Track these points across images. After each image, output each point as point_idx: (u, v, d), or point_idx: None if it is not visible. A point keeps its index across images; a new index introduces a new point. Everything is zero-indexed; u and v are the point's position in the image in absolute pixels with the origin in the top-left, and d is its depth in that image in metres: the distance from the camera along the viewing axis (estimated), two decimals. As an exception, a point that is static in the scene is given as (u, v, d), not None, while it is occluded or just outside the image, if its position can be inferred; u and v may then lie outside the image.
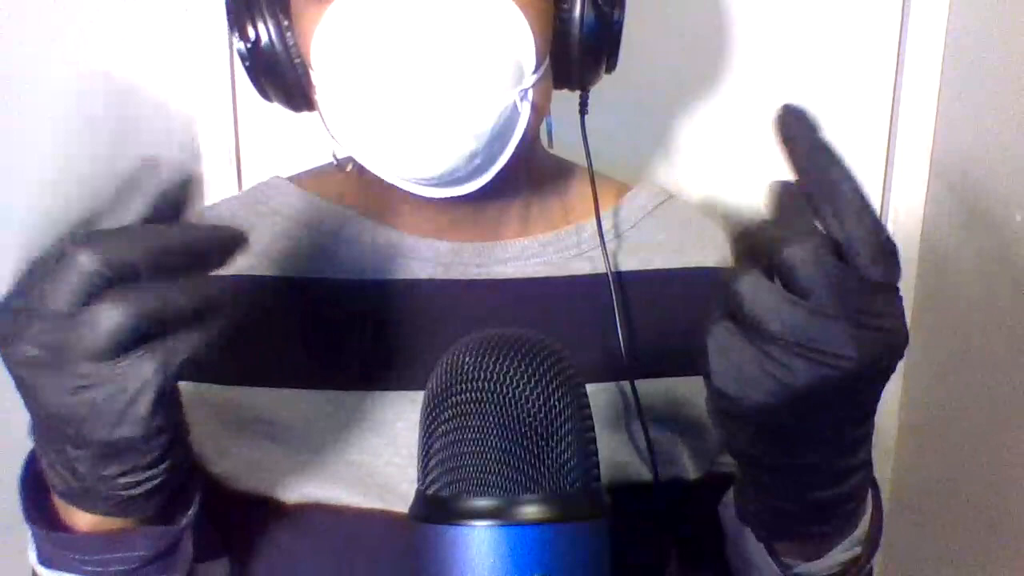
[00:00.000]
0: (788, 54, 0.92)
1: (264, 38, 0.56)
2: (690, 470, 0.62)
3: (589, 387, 0.41)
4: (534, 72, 0.53)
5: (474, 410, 0.38)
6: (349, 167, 0.60)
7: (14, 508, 0.44)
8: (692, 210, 0.70)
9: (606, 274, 0.61)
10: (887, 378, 0.39)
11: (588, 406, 0.41)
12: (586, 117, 0.62)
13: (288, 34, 0.55)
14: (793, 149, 0.38)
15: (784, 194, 0.39)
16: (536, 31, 0.52)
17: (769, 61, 0.92)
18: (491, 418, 0.38)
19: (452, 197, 0.55)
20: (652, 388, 0.60)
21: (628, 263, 0.64)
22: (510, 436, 0.37)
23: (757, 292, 0.37)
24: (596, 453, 0.40)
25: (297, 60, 0.56)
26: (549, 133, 0.62)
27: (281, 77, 0.57)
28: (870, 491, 0.48)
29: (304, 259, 0.61)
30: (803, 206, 0.38)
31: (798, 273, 0.36)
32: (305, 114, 0.60)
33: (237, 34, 0.56)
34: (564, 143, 0.63)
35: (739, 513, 0.49)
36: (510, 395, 0.38)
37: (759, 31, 0.91)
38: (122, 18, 0.86)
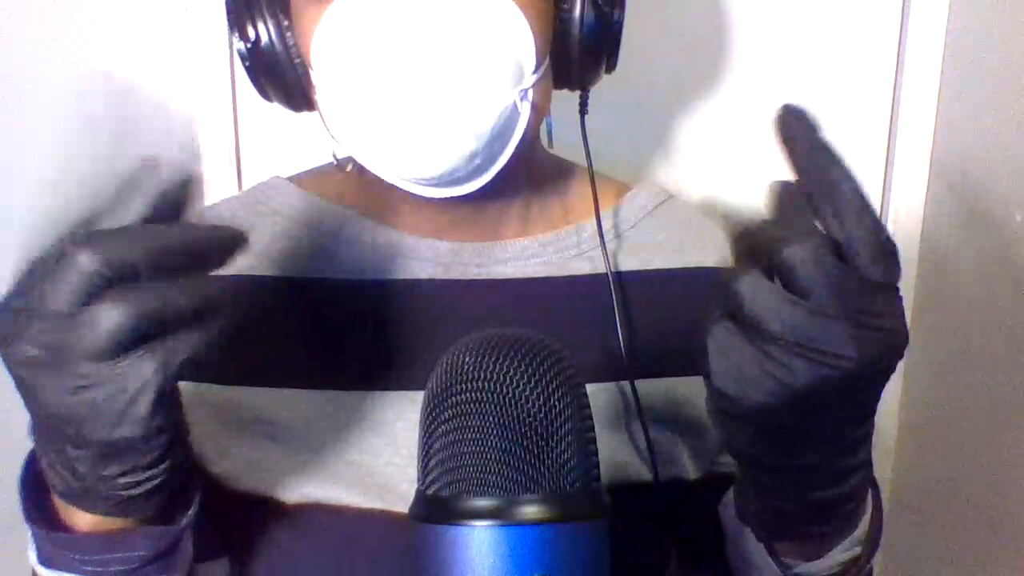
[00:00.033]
0: (788, 54, 0.92)
1: (264, 38, 0.56)
2: (690, 470, 0.62)
3: (589, 387, 0.41)
4: (534, 72, 0.53)
5: (474, 410, 0.38)
6: (349, 167, 0.60)
7: (14, 508, 0.44)
8: (692, 210, 0.70)
9: (606, 274, 0.61)
10: (887, 378, 0.39)
11: (588, 406, 0.41)
12: (586, 117, 0.62)
13: (288, 34, 0.55)
14: (793, 149, 0.38)
15: (784, 194, 0.39)
16: (536, 31, 0.52)
17: (769, 61, 0.92)
18: (491, 418, 0.38)
19: (452, 197, 0.55)
20: (652, 388, 0.60)
21: (628, 263, 0.64)
22: (510, 436, 0.37)
23: (757, 292, 0.37)
24: (596, 453, 0.40)
25: (297, 60, 0.56)
26: (549, 133, 0.62)
27: (281, 77, 0.57)
28: (870, 491, 0.48)
29: (304, 259, 0.61)
30: (803, 206, 0.38)
31: (798, 273, 0.36)
32: (305, 114, 0.60)
33: (237, 34, 0.56)
34: (564, 143, 0.63)
35: (739, 513, 0.49)
36: (510, 395, 0.38)
37: (759, 31, 0.91)
38: (122, 18, 0.86)
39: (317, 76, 0.53)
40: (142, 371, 0.36)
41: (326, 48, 0.51)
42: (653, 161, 0.94)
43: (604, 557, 0.39)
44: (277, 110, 0.60)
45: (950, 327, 0.90)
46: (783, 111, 0.38)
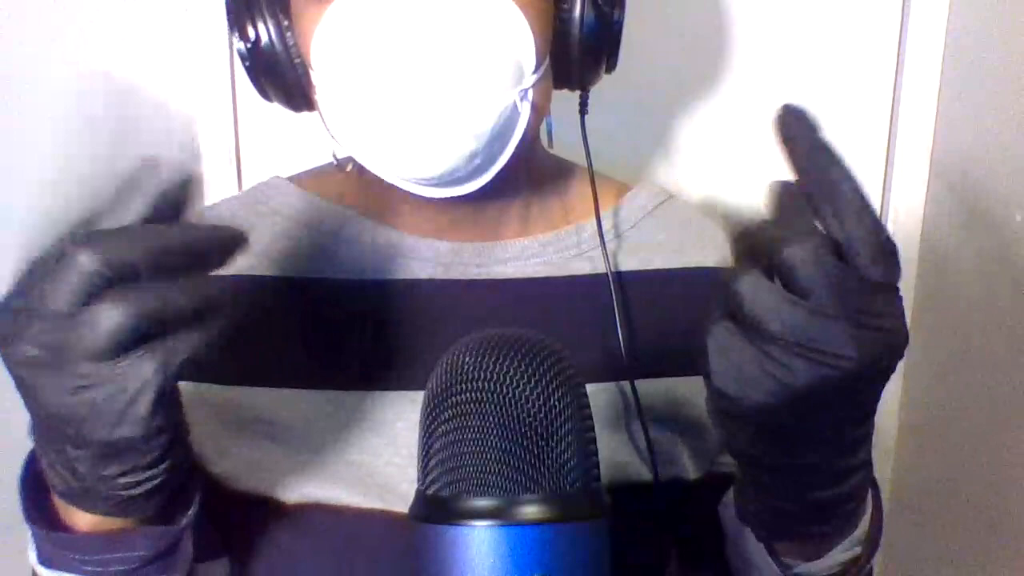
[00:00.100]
0: (788, 54, 0.92)
1: (264, 38, 0.56)
2: (690, 470, 0.62)
3: (589, 387, 0.41)
4: (534, 72, 0.53)
5: (474, 410, 0.38)
6: (349, 167, 0.60)
7: (14, 508, 0.44)
8: (692, 210, 0.70)
9: (606, 274, 0.61)
10: (887, 378, 0.39)
11: (588, 406, 0.41)
12: (586, 117, 0.62)
13: (288, 34, 0.56)
14: (793, 149, 0.38)
15: (784, 194, 0.39)
16: (536, 31, 0.52)
17: (769, 61, 0.92)
18: (491, 418, 0.38)
19: (452, 197, 0.55)
20: (652, 388, 0.60)
21: (628, 263, 0.64)
22: (510, 436, 0.37)
23: (757, 292, 0.37)
24: (596, 453, 0.40)
25: (297, 60, 0.56)
26: (549, 133, 0.62)
27: (281, 77, 0.57)
28: (870, 491, 0.48)
29: (304, 259, 0.61)
30: (803, 206, 0.38)
31: (798, 273, 0.36)
32: (305, 114, 0.60)
33: (237, 34, 0.56)
34: (564, 143, 0.63)
35: (739, 513, 0.49)
36: (510, 395, 0.38)
37: (759, 31, 0.91)
38: (122, 18, 0.86)
39: (317, 76, 0.53)
40: (142, 371, 0.36)
41: (326, 48, 0.51)
42: (653, 161, 0.94)
43: (604, 557, 0.39)
44: (277, 110, 0.60)
45: (950, 327, 0.90)
46: (783, 111, 0.38)
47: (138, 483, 0.39)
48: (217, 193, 0.86)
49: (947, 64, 0.90)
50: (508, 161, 0.54)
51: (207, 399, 0.56)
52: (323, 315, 0.60)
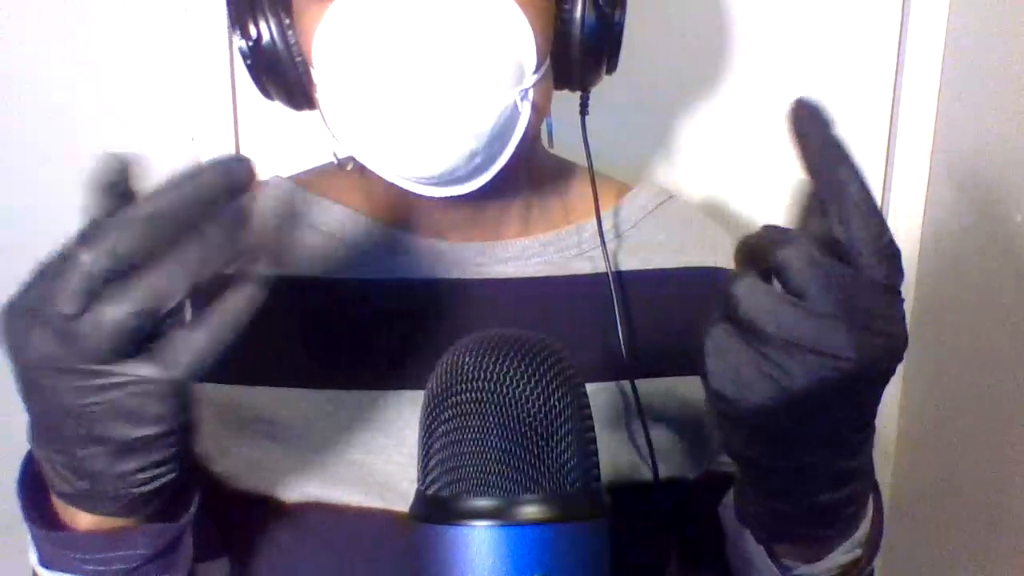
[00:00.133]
0: (788, 54, 0.92)
1: (266, 36, 0.56)
2: (690, 470, 0.62)
3: (589, 387, 0.41)
4: (535, 72, 0.53)
5: (474, 410, 0.38)
6: (350, 166, 0.60)
7: (14, 509, 0.44)
8: (692, 210, 0.70)
9: (606, 274, 0.61)
10: (886, 381, 0.39)
11: (588, 406, 0.41)
12: (587, 118, 0.62)
13: (290, 32, 0.56)
14: (805, 145, 0.38)
15: (802, 193, 0.40)
16: (537, 31, 0.52)
17: (769, 61, 0.92)
18: (491, 418, 0.38)
19: (452, 197, 0.55)
20: (652, 388, 0.60)
21: (628, 263, 0.64)
22: (510, 436, 0.37)
23: (753, 294, 0.37)
24: (596, 453, 0.40)
25: (298, 58, 0.56)
26: (549, 134, 0.62)
27: (282, 75, 0.57)
28: (871, 494, 0.48)
29: (304, 258, 0.61)
30: (814, 205, 0.38)
31: (792, 274, 0.36)
32: (305, 114, 0.60)
33: (239, 32, 0.56)
34: (565, 144, 0.63)
35: (738, 514, 0.49)
36: (510, 395, 0.38)
37: (759, 32, 0.91)
38: (122, 18, 0.86)
39: (318, 74, 0.53)
40: (155, 369, 0.36)
41: (327, 46, 0.51)
42: (653, 161, 0.94)
43: (604, 557, 0.39)
44: (277, 110, 0.60)
45: (950, 328, 0.90)
46: (797, 105, 0.38)
47: (152, 479, 0.39)
48: (217, 193, 0.86)
49: (947, 64, 0.90)
50: (508, 161, 0.54)
51: (207, 398, 0.56)
52: (323, 314, 0.60)
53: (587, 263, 0.63)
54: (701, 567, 0.63)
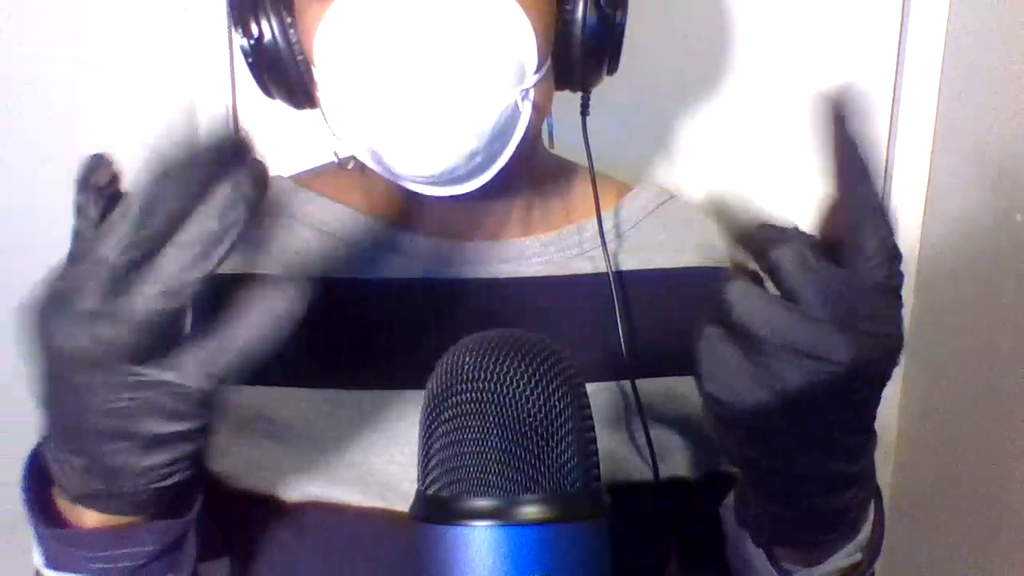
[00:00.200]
0: (788, 55, 0.92)
1: (267, 35, 0.56)
2: (690, 470, 0.62)
3: (590, 386, 0.41)
4: (536, 72, 0.53)
5: (474, 410, 0.38)
6: (350, 165, 0.60)
7: (17, 508, 0.44)
8: (693, 210, 0.70)
9: (607, 273, 0.61)
10: (882, 383, 0.39)
11: (588, 406, 0.41)
12: (587, 118, 0.62)
13: (291, 31, 0.56)
14: (830, 136, 0.38)
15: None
16: (538, 31, 0.52)
17: (769, 62, 0.92)
18: (491, 418, 0.38)
19: (452, 196, 0.55)
20: (653, 387, 0.60)
21: (629, 263, 0.64)
22: (510, 436, 0.37)
23: (746, 298, 0.37)
24: (596, 453, 0.40)
25: (300, 57, 0.56)
26: (550, 134, 0.62)
27: (284, 74, 0.57)
28: (872, 499, 0.47)
29: (304, 257, 0.61)
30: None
31: (784, 276, 0.36)
32: (306, 114, 0.60)
33: (240, 30, 0.56)
34: (565, 144, 0.63)
35: (738, 516, 0.49)
36: (510, 395, 0.38)
37: (759, 32, 0.91)
38: (122, 18, 0.86)
39: (319, 72, 0.53)
40: (194, 370, 0.36)
41: (328, 45, 0.51)
42: (654, 162, 0.94)
43: (604, 557, 0.39)
44: (277, 110, 0.60)
45: (950, 328, 0.90)
46: (841, 94, 0.38)
47: (173, 473, 0.39)
48: (217, 193, 0.86)
49: (947, 64, 0.90)
50: (509, 161, 0.54)
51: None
52: (324, 314, 0.60)
53: (588, 263, 0.63)
54: (701, 567, 0.63)
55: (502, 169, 0.54)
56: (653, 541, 0.60)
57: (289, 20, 0.56)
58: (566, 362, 0.40)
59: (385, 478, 0.55)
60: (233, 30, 0.57)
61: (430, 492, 0.39)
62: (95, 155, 0.38)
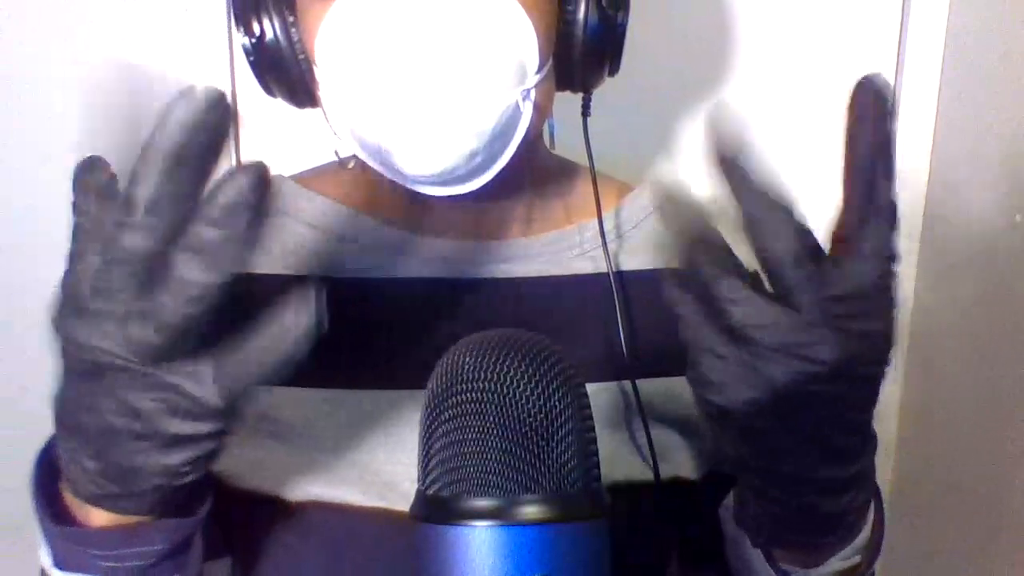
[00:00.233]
0: (789, 55, 0.92)
1: (268, 33, 0.56)
2: (691, 469, 0.62)
3: (590, 386, 0.41)
4: (537, 72, 0.53)
5: (474, 410, 0.38)
6: (351, 165, 0.60)
7: (23, 509, 0.44)
8: (693, 210, 0.70)
9: (608, 273, 0.61)
10: (874, 383, 0.39)
11: (588, 406, 0.41)
12: (588, 119, 0.62)
13: (293, 30, 0.56)
14: (854, 127, 0.38)
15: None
16: (539, 31, 0.52)
17: (770, 62, 0.92)
18: (491, 418, 0.38)
19: (452, 196, 0.55)
20: (653, 387, 0.60)
21: (630, 263, 0.64)
22: (510, 436, 0.37)
23: (735, 297, 0.37)
24: (596, 453, 0.40)
25: (301, 56, 0.56)
26: (551, 135, 0.62)
27: (285, 72, 0.57)
28: (872, 500, 0.47)
29: (304, 257, 0.61)
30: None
31: (777, 275, 0.36)
32: (306, 114, 0.60)
33: (242, 29, 0.56)
34: (566, 145, 0.63)
35: (737, 517, 0.49)
36: (510, 395, 0.38)
37: (760, 33, 0.91)
38: (122, 17, 0.86)
39: (320, 71, 0.53)
40: (228, 371, 0.36)
41: (330, 44, 0.51)
42: (655, 163, 0.94)
43: (604, 557, 0.39)
44: (277, 110, 0.60)
45: (950, 328, 0.90)
46: (875, 84, 0.38)
47: (192, 471, 0.39)
48: (218, 192, 0.86)
49: (947, 64, 0.90)
50: (509, 161, 0.54)
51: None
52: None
53: (589, 263, 0.63)
54: (701, 567, 0.63)
55: (503, 169, 0.54)
56: (653, 541, 0.60)
57: (291, 19, 0.56)
58: (566, 362, 0.40)
59: (386, 478, 0.55)
60: (235, 29, 0.57)
61: (430, 492, 0.39)
62: (90, 157, 0.38)
